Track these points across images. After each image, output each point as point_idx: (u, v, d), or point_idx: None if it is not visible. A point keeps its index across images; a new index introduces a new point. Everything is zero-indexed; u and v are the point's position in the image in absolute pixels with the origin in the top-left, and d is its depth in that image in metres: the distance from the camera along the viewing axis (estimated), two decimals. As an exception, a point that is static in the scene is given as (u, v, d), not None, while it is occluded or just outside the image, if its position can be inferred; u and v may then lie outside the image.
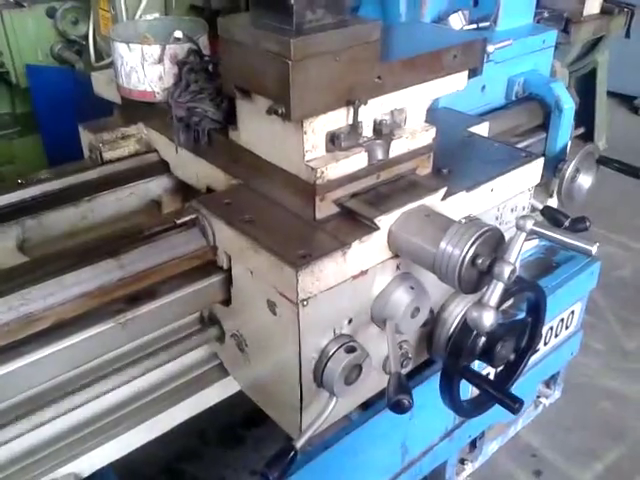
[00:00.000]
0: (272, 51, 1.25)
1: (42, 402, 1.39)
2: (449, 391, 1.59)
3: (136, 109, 1.85)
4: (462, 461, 2.56)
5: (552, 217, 2.00)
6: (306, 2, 1.25)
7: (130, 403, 1.59)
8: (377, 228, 1.37)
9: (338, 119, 1.38)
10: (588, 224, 1.99)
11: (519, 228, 1.28)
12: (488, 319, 1.25)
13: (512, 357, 1.65)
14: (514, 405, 1.62)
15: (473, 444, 2.57)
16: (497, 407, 2.38)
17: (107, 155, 1.83)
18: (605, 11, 4.53)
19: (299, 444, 1.33)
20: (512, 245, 1.28)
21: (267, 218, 1.42)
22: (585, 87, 5.33)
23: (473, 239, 1.26)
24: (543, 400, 2.88)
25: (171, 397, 1.63)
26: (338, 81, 1.31)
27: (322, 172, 1.35)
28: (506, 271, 1.25)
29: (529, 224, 1.27)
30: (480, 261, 1.27)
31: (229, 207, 1.46)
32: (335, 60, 1.29)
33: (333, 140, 1.40)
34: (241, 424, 2.70)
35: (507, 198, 1.68)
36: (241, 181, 1.55)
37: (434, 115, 1.99)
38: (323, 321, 1.36)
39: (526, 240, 1.28)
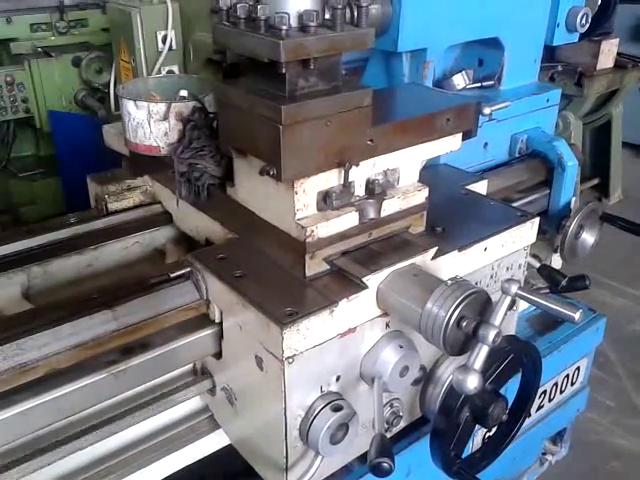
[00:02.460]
0: (264, 116, 1.30)
1: (32, 450, 1.41)
2: (439, 450, 1.57)
3: (143, 162, 1.91)
4: (465, 520, 2.50)
5: (549, 276, 2.00)
6: (299, 71, 1.30)
7: (122, 453, 1.60)
8: (365, 287, 1.39)
9: (329, 179, 1.41)
10: (588, 282, 1.98)
11: (504, 292, 1.29)
12: (472, 382, 1.25)
13: (505, 418, 1.63)
14: None
15: (475, 503, 2.52)
16: (499, 464, 2.36)
17: (112, 206, 1.89)
18: (619, 65, 4.60)
19: (282, 504, 1.33)
20: (497, 308, 1.29)
21: (258, 274, 1.45)
22: (600, 139, 5.37)
23: (458, 301, 1.28)
24: (549, 457, 2.81)
25: (163, 448, 1.64)
26: (329, 144, 1.35)
27: (312, 231, 1.38)
28: (491, 334, 1.26)
29: (514, 288, 1.29)
30: (465, 323, 1.28)
31: (222, 262, 1.49)
32: (326, 125, 1.33)
33: (325, 199, 1.43)
34: (243, 473, 2.68)
35: (501, 257, 1.70)
36: (237, 235, 1.59)
37: (433, 171, 2.04)
38: (310, 378, 1.37)
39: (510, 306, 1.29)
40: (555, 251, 2.42)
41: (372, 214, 1.48)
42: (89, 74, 3.87)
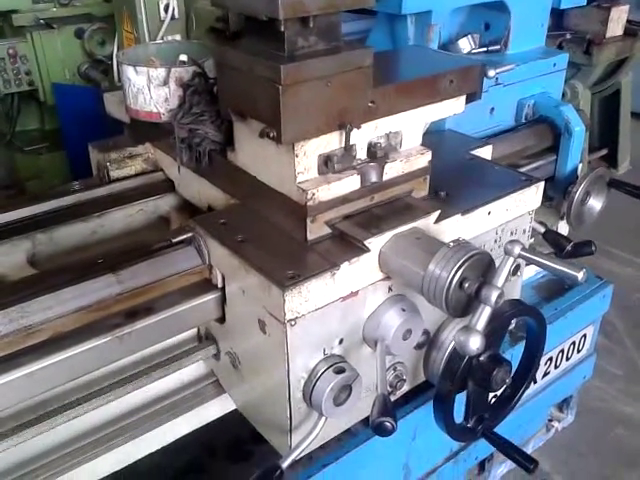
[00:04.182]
0: (264, 76, 1.28)
1: (41, 413, 1.43)
2: (442, 414, 1.58)
3: (143, 129, 1.90)
4: (470, 483, 2.53)
5: (554, 241, 1.98)
6: (298, 29, 1.28)
7: (129, 416, 1.62)
8: (367, 250, 1.38)
9: (330, 142, 1.40)
10: (594, 248, 1.97)
11: (507, 253, 1.29)
12: (474, 343, 1.25)
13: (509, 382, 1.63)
14: (530, 465, 1.63)
15: (482, 466, 2.54)
16: (505, 429, 2.37)
17: (114, 174, 1.89)
18: (628, 33, 4.50)
19: (285, 464, 1.34)
20: (500, 270, 1.28)
21: (260, 238, 1.44)
22: (608, 108, 5.27)
23: (460, 262, 1.27)
24: (555, 424, 2.83)
25: (169, 412, 1.65)
26: (330, 106, 1.33)
27: (313, 194, 1.37)
28: (493, 295, 1.25)
29: (517, 249, 1.28)
30: (467, 285, 1.27)
31: (224, 227, 1.49)
32: (327, 85, 1.31)
33: (326, 162, 1.42)
34: (250, 439, 2.71)
35: (506, 221, 1.68)
36: (238, 201, 1.59)
37: (437, 137, 2.01)
38: (312, 341, 1.37)
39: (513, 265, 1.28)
40: (561, 218, 2.40)
41: (374, 178, 1.47)
42: (92, 46, 3.84)
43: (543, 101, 2.29)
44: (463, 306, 1.31)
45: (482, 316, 1.26)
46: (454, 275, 1.26)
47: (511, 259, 1.28)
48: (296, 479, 1.74)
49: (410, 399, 1.91)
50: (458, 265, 1.27)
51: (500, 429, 2.36)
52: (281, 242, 1.43)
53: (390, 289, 1.48)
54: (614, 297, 3.76)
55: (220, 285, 1.50)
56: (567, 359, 2.55)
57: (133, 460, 1.65)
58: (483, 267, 1.31)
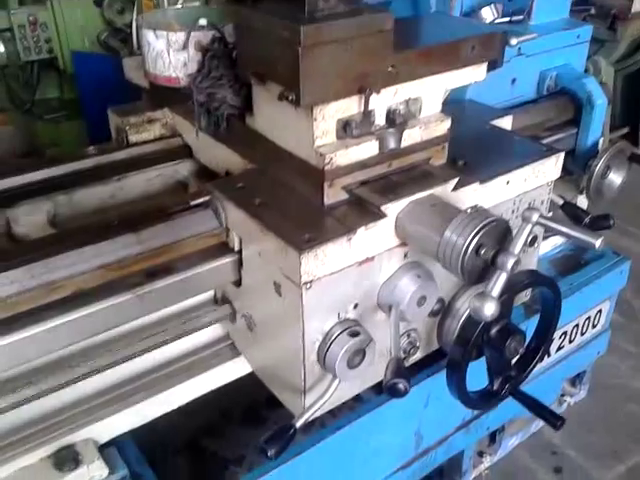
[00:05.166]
0: (283, 37, 1.27)
1: (61, 367, 1.47)
2: (455, 381, 1.59)
3: (162, 94, 1.90)
4: (480, 454, 2.56)
5: (572, 214, 1.97)
6: (319, -9, 1.27)
7: (147, 375, 1.66)
8: (384, 215, 1.39)
9: (350, 107, 1.39)
10: (612, 222, 1.95)
11: (525, 220, 1.28)
12: (489, 309, 1.25)
13: (522, 352, 1.63)
14: (556, 422, 1.66)
15: (493, 438, 2.57)
16: (515, 402, 2.38)
17: (133, 138, 1.90)
18: (656, 7, 4.39)
19: (298, 423, 1.37)
20: (517, 237, 1.28)
21: (277, 202, 1.45)
22: (632, 86, 5.16)
23: (477, 229, 1.27)
24: (567, 399, 2.84)
25: (186, 372, 1.68)
26: (349, 69, 1.32)
27: (331, 158, 1.37)
28: (510, 262, 1.26)
29: (535, 216, 1.27)
30: (483, 251, 1.27)
31: (242, 191, 1.50)
32: (347, 48, 1.30)
33: (345, 127, 1.42)
34: (264, 405, 2.75)
35: (524, 192, 1.67)
36: (256, 166, 1.59)
37: (457, 106, 2.00)
38: (327, 305, 1.39)
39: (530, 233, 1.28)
40: (581, 192, 2.38)
41: (392, 144, 1.46)
42: (111, 14, 3.83)
43: (565, 73, 2.26)
44: (479, 273, 1.31)
45: (498, 283, 1.26)
46: (470, 241, 1.26)
47: (529, 226, 1.27)
48: (310, 442, 1.78)
49: (423, 367, 1.93)
50: (475, 231, 1.27)
51: (513, 400, 2.38)
52: (298, 206, 1.44)
53: (406, 256, 1.48)
54: (632, 275, 3.74)
55: (237, 248, 1.52)
56: (582, 334, 2.55)
57: (151, 418, 1.68)
58: (500, 234, 1.30)
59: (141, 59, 1.90)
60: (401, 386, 1.26)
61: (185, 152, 1.92)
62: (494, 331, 1.59)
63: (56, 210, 1.76)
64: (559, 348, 2.47)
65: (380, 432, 1.93)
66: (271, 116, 1.50)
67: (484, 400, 1.70)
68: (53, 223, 1.75)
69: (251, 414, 2.79)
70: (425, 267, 1.50)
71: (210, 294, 1.70)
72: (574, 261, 2.55)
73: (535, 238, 1.76)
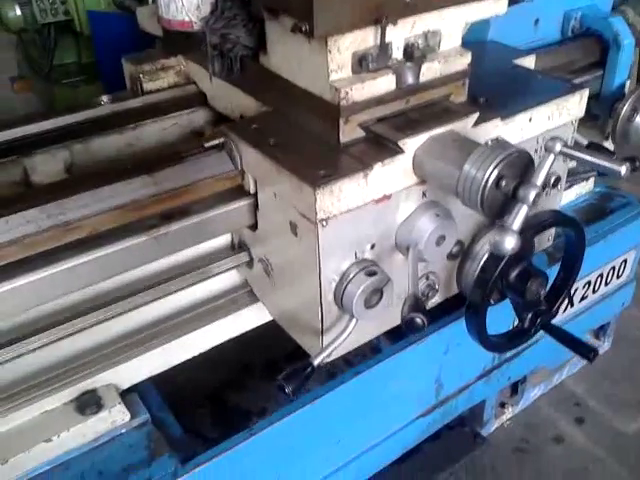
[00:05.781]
0: (296, -34, 1.23)
1: (81, 310, 1.48)
2: (475, 325, 1.57)
3: (176, 41, 1.87)
4: (502, 405, 2.55)
5: (597, 153, 1.90)
6: None
7: (167, 320, 1.67)
8: (401, 151, 1.35)
9: (365, 39, 1.35)
10: (638, 164, 1.89)
11: (548, 150, 1.24)
12: (510, 243, 1.22)
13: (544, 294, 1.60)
14: (589, 354, 1.65)
15: (515, 389, 2.56)
16: (539, 352, 2.37)
17: (147, 86, 1.88)
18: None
19: (316, 361, 1.36)
20: (539, 168, 1.24)
21: (292, 142, 1.42)
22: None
23: (498, 161, 1.23)
24: (591, 352, 2.81)
25: (205, 317, 1.69)
26: (364, -2, 1.28)
27: (347, 93, 1.33)
28: (531, 194, 1.22)
29: (558, 145, 1.23)
30: (504, 183, 1.24)
31: (256, 132, 1.47)
32: (361, -24, 1.26)
33: (361, 62, 1.38)
34: (285, 359, 2.78)
35: (547, 129, 1.62)
36: (271, 108, 1.56)
37: (479, 47, 1.94)
38: (344, 244, 1.37)
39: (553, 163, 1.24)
40: (606, 138, 2.31)
41: (410, 79, 1.42)
42: (126, -27, 3.78)
43: (591, 13, 2.17)
44: (499, 207, 1.28)
45: (519, 216, 1.23)
46: (491, 173, 1.23)
47: (552, 156, 1.23)
48: (328, 387, 1.77)
49: (443, 314, 1.92)
50: (495, 163, 1.23)
51: (535, 351, 2.37)
52: (314, 145, 1.41)
53: (424, 195, 1.45)
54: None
55: (252, 191, 1.50)
56: (606, 284, 2.51)
57: (172, 364, 1.70)
58: (522, 166, 1.27)
59: (154, 7, 1.87)
60: (419, 320, 1.24)
61: (200, 99, 1.89)
62: (515, 273, 1.56)
63: (73, 159, 1.76)
64: (583, 298, 2.43)
65: (400, 378, 1.93)
66: (285, 53, 1.46)
67: (506, 342, 1.68)
68: (70, 172, 1.75)
69: (271, 368, 2.81)
70: (444, 206, 1.47)
71: (227, 240, 1.69)
72: (599, 210, 2.49)
73: (559, 179, 1.72)
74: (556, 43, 2.21)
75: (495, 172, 1.23)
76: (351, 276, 1.39)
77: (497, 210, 1.28)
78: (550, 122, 1.61)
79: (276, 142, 1.42)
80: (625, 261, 2.52)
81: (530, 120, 1.56)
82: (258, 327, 1.78)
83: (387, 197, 1.39)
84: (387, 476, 2.25)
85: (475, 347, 1.80)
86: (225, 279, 1.73)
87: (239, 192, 1.52)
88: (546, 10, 2.11)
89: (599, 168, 1.21)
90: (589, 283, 2.41)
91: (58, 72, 4.29)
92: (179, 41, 1.86)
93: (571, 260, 1.67)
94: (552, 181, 1.71)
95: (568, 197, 2.49)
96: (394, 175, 1.36)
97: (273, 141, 1.42)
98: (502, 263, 1.46)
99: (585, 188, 2.53)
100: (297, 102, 1.47)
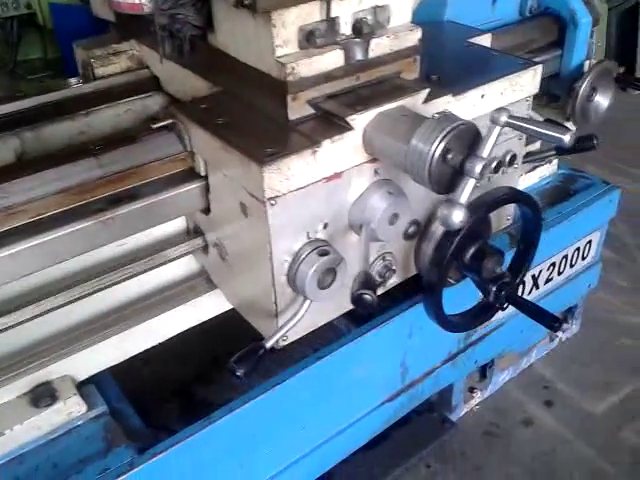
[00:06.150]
0: (236, -62, 1.21)
1: (31, 299, 1.44)
2: (432, 304, 1.56)
3: (129, 25, 1.83)
4: (471, 389, 2.55)
5: (553, 130, 1.90)
6: None
7: (122, 309, 1.63)
8: (350, 128, 1.33)
9: (311, 13, 1.33)
10: (595, 142, 1.89)
11: (493, 121, 1.23)
12: (457, 216, 1.21)
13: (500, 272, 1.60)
14: (554, 324, 1.67)
15: (483, 373, 2.55)
16: (505, 335, 2.37)
17: (99, 71, 1.83)
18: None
19: (268, 343, 1.34)
20: (486, 140, 1.23)
21: (241, 121, 1.40)
22: (627, 24, 5.03)
23: (444, 134, 1.22)
24: (560, 334, 2.82)
25: (161, 305, 1.66)
26: (307, -29, 1.26)
27: (293, 68, 1.31)
28: (478, 166, 1.21)
29: (504, 117, 1.22)
30: (451, 156, 1.22)
31: (205, 112, 1.45)
32: (304, -52, 1.24)
33: (308, 38, 1.36)
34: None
35: (499, 106, 1.60)
36: (221, 88, 1.53)
37: (435, 26, 1.93)
38: (295, 223, 1.35)
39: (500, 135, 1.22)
40: (567, 119, 2.31)
41: (359, 54, 1.40)
42: (85, -37, 3.71)
43: (549, -8, 2.17)
44: (448, 181, 1.26)
45: (466, 189, 1.22)
46: (437, 146, 1.21)
47: (497, 128, 1.22)
48: (289, 372, 1.75)
49: (405, 298, 1.90)
50: (442, 136, 1.21)
51: (501, 334, 2.37)
52: (263, 123, 1.39)
53: (376, 172, 1.43)
54: (625, 213, 3.69)
55: (203, 173, 1.47)
56: (571, 266, 2.51)
57: (130, 354, 1.67)
58: (469, 140, 1.25)
59: (107, -8, 1.83)
60: (368, 297, 1.23)
61: (153, 84, 1.85)
62: (470, 252, 1.56)
63: (24, 147, 1.71)
64: (548, 280, 2.43)
65: (364, 363, 1.91)
66: (231, 30, 1.44)
67: (470, 320, 1.67)
68: (20, 161, 1.70)
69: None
70: (397, 185, 1.45)
71: (183, 226, 1.66)
72: (563, 192, 2.50)
73: (514, 157, 1.71)
74: (515, 23, 2.20)
75: (441, 145, 1.21)
76: (303, 256, 1.36)
77: (446, 185, 1.27)
78: (503, 98, 1.60)
79: (225, 121, 1.39)
80: (590, 242, 2.53)
81: (482, 96, 1.55)
82: (229, 319, 1.76)
83: (338, 175, 1.37)
84: (355, 463, 2.23)
85: (440, 330, 1.79)
86: (183, 266, 1.70)
87: (190, 175, 1.50)
88: (503, -10, 2.11)
89: (545, 138, 1.20)
90: (554, 265, 2.41)
91: (23, 68, 4.22)
92: (130, 24, 1.82)
93: (529, 236, 1.67)
94: (508, 159, 1.70)
95: (532, 179, 2.49)
96: (344, 152, 1.35)
97: (222, 120, 1.40)
98: (455, 241, 1.45)
99: (549, 170, 2.53)
100: (245, 80, 1.44)
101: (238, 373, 1.29)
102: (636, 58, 5.06)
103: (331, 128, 1.35)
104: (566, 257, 2.46)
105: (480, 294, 1.71)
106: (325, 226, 1.41)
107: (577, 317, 2.84)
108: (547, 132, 1.18)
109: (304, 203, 1.33)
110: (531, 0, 2.18)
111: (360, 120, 1.34)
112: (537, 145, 2.33)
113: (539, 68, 1.64)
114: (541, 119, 1.91)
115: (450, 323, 1.61)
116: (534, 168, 2.47)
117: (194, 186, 1.48)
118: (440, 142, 1.21)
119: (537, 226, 1.60)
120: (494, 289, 1.61)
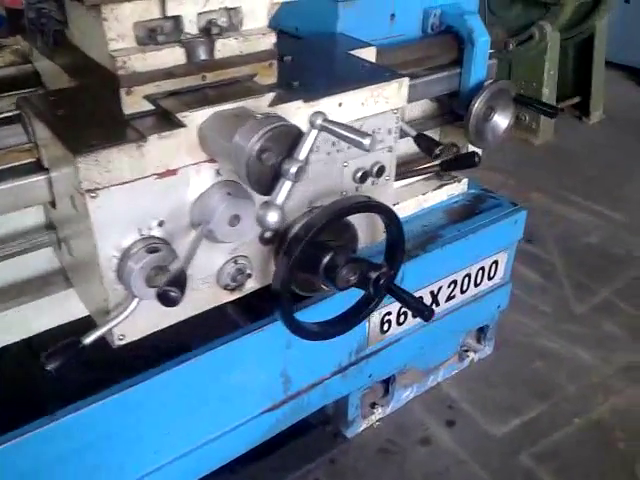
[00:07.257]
0: None
1: None
2: (282, 313, 1.54)
3: (17, 21, 1.83)
4: (373, 405, 2.52)
5: (425, 145, 1.90)
6: None
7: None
8: (182, 125, 1.32)
9: (148, 10, 1.33)
10: (477, 159, 1.89)
11: (310, 124, 1.23)
12: (272, 217, 1.21)
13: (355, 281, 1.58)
14: (424, 312, 1.68)
15: (386, 389, 2.52)
16: (402, 351, 2.35)
17: (-19, 65, 1.83)
18: (602, -31, 4.32)
19: (87, 340, 1.31)
20: (302, 143, 1.22)
21: (80, 114, 1.39)
22: (582, 55, 5.09)
23: (262, 133, 1.21)
24: (471, 354, 2.80)
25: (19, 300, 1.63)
26: (139, -35, 1.26)
27: (124, 62, 1.30)
28: (293, 168, 1.20)
29: (320, 120, 1.22)
30: (266, 156, 1.21)
31: (51, 104, 1.43)
32: (135, -58, 1.24)
33: (150, 35, 1.35)
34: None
35: (362, 117, 1.61)
36: (77, 81, 1.53)
37: (322, 38, 1.94)
38: (123, 218, 1.33)
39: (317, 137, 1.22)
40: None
41: (203, 54, 1.40)
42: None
43: (450, 10, 2.19)
44: (268, 182, 1.25)
45: (282, 190, 1.21)
46: (254, 146, 1.21)
47: (314, 131, 1.22)
48: (161, 370, 1.72)
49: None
50: (259, 135, 1.21)
51: (397, 349, 2.34)
52: (100, 117, 1.37)
53: (218, 173, 1.42)
54: (562, 239, 3.70)
55: (47, 165, 1.46)
56: (476, 285, 2.51)
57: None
58: (290, 141, 1.25)
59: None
60: (173, 294, 1.21)
61: (35, 78, 1.85)
62: (325, 261, 1.55)
63: None
64: (449, 298, 2.42)
65: (238, 369, 1.88)
66: (77, 24, 1.44)
67: (319, 331, 1.65)
68: None
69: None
70: (241, 186, 1.44)
71: (42, 221, 1.64)
72: (469, 211, 2.50)
73: (382, 168, 1.71)
74: (416, 40, 2.22)
75: (258, 144, 1.20)
76: (131, 253, 1.34)
77: (267, 186, 1.26)
78: (365, 109, 1.60)
79: (64, 114, 1.38)
80: (496, 262, 2.53)
81: (340, 105, 1.54)
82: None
83: (172, 172, 1.35)
84: (237, 476, 2.19)
85: (326, 342, 1.77)
86: (43, 262, 1.68)
87: (36, 167, 1.47)
88: (402, 5, 2.11)
89: (351, 142, 1.20)
90: (455, 282, 2.40)
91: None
92: (15, 19, 1.82)
93: (393, 245, 1.66)
94: (375, 170, 1.70)
95: (440, 197, 2.49)
96: (177, 150, 1.34)
97: (61, 112, 1.39)
98: (299, 248, 1.44)
99: (458, 189, 2.54)
100: (91, 74, 1.43)
101: (49, 367, 1.26)
102: (591, 90, 5.12)
103: (163, 124, 1.33)
104: (469, 276, 2.45)
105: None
106: (161, 223, 1.39)
107: (490, 338, 2.83)
108: (350, 135, 1.18)
109: (132, 198, 1.32)
110: (433, 17, 2.19)
111: (193, 118, 1.33)
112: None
113: (405, 81, 1.64)
114: (414, 133, 1.91)
115: (300, 329, 1.59)
116: (441, 186, 2.47)
117: (38, 178, 1.46)
118: (257, 141, 1.21)
119: (398, 234, 1.60)
120: (371, 285, 1.60)
